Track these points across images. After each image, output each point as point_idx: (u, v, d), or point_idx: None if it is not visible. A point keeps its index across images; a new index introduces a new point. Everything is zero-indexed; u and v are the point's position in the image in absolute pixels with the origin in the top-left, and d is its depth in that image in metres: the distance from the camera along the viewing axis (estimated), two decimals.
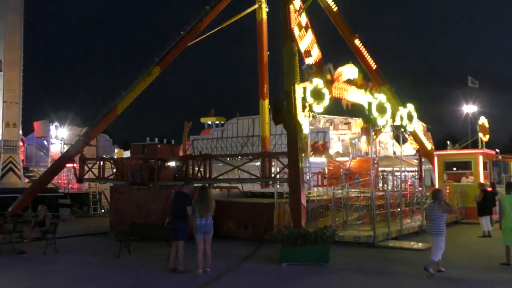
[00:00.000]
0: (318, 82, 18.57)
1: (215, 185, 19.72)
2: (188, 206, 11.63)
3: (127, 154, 48.73)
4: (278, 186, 17.72)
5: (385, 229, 16.74)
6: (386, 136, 41.24)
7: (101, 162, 20.86)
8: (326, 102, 18.67)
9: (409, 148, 32.17)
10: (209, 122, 56.35)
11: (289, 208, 15.28)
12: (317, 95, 18.26)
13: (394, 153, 36.70)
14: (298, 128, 16.77)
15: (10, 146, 24.95)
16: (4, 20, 25.12)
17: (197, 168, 18.52)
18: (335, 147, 43.81)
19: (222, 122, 55.28)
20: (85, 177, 21.34)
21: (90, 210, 27.52)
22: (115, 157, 41.90)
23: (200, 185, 14.64)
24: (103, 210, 28.20)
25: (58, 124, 31.92)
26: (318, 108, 18.39)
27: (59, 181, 28.71)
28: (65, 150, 31.11)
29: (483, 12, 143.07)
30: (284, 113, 17.72)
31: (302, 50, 21.36)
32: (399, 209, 18.48)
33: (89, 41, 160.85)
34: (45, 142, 31.98)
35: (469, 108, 41.17)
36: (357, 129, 47.04)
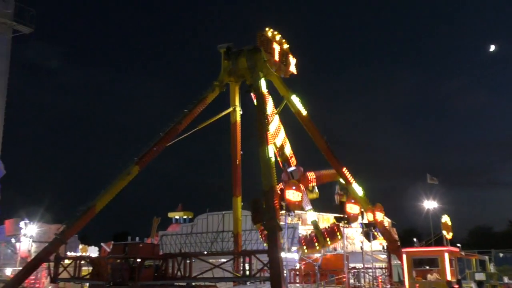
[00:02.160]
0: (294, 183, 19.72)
1: (193, 284, 19.82)
2: None
3: (91, 249, 47.78)
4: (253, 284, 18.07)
5: None
6: (353, 231, 42.23)
7: (77, 261, 20.76)
8: (301, 201, 19.76)
9: (376, 243, 33.10)
10: (177, 217, 56.34)
11: None
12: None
13: (362, 248, 37.58)
14: (277, 227, 17.57)
15: None
16: None
17: (176, 267, 18.72)
18: None
19: (190, 217, 55.42)
20: (59, 276, 21.02)
21: None
22: (79, 253, 41.01)
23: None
24: None
25: (28, 222, 31.45)
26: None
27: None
28: (32, 247, 30.57)
29: (436, 107, 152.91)
30: (263, 212, 18.63)
31: (278, 144, 23.18)
32: None
33: (58, 135, 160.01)
34: (13, 240, 31.29)
35: (429, 204, 43.02)
36: (324, 224, 48.08)
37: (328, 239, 24.45)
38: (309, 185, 25.96)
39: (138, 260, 18.44)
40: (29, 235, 30.72)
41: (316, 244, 23.93)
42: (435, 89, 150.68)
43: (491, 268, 37.41)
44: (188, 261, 18.69)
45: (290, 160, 26.77)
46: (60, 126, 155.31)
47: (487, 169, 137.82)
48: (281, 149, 26.26)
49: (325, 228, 25.77)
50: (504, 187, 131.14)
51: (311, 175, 26.79)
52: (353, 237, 43.93)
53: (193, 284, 19.37)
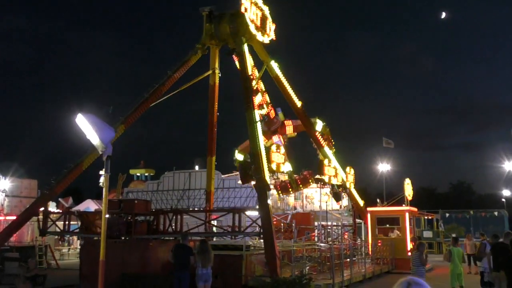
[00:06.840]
0: (277, 142, 21.08)
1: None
2: (191, 256, 13.25)
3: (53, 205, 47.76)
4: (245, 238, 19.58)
5: (339, 278, 19.02)
6: (312, 191, 44.54)
7: (66, 216, 21.51)
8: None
9: (334, 203, 35.40)
10: (138, 174, 56.71)
11: (266, 259, 17.17)
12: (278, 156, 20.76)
13: (320, 207, 39.95)
14: (266, 186, 18.97)
15: None
16: None
17: (168, 222, 19.90)
18: None
19: (151, 174, 56.03)
20: (48, 230, 21.73)
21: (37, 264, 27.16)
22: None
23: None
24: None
25: (1, 176, 31.37)
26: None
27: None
28: (5, 202, 30.74)
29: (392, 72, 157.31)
30: (251, 173, 19.93)
31: (256, 103, 24.37)
32: (348, 260, 20.92)
33: (34, 85, 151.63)
34: None
35: (383, 167, 45.83)
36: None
37: (300, 185, 25.90)
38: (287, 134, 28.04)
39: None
40: (1, 189, 30.77)
41: (290, 189, 25.44)
42: (388, 53, 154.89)
43: (441, 226, 40.99)
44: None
45: (270, 113, 27.88)
46: (35, 74, 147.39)
47: (434, 133, 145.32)
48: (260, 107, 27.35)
49: (298, 176, 27.28)
50: (448, 150, 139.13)
51: (288, 123, 28.66)
52: (312, 196, 46.28)
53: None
